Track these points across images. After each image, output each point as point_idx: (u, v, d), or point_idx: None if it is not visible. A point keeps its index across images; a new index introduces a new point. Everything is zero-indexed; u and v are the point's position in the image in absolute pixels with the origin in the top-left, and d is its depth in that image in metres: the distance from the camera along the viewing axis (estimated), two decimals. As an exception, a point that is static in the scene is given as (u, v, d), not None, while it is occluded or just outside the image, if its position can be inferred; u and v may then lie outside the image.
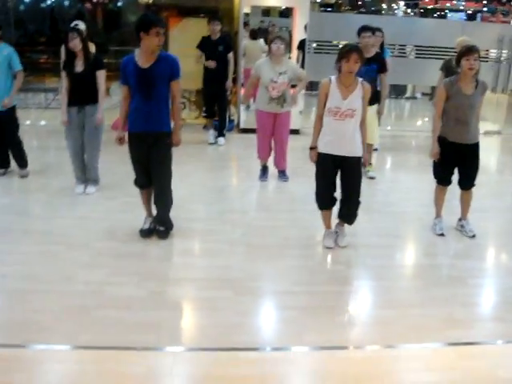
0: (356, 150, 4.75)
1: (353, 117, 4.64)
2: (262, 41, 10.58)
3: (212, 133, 8.92)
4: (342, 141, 4.71)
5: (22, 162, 6.86)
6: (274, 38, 6.59)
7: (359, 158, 4.80)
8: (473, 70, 4.93)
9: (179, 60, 4.79)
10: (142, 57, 4.65)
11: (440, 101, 5.15)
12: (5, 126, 6.60)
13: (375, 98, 6.69)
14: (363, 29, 6.70)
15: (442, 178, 5.44)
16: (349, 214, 4.96)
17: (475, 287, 4.52)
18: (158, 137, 4.80)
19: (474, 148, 5.23)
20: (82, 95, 6.02)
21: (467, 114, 5.07)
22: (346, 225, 5.10)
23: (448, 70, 7.88)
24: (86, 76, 5.96)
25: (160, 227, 5.13)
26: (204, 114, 9.17)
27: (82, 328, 3.69)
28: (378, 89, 6.90)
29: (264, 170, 7.12)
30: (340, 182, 4.91)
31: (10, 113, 6.59)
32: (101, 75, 6.04)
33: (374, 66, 6.63)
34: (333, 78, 4.69)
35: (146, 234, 5.12)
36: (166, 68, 4.67)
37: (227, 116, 9.27)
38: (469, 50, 4.94)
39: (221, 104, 8.89)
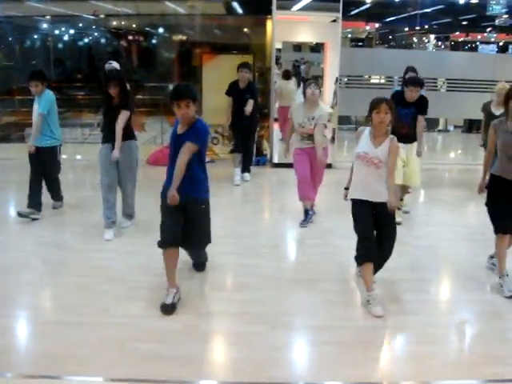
0: (385, 196, 4.61)
1: (379, 168, 4.58)
2: (294, 80, 10.76)
3: (238, 173, 8.88)
4: (370, 189, 4.63)
5: (58, 197, 7.09)
6: (310, 82, 6.55)
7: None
8: None
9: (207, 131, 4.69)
10: (181, 123, 4.60)
11: (491, 139, 5.03)
12: (45, 162, 6.79)
13: (415, 137, 6.79)
14: (412, 82, 6.60)
15: (501, 224, 4.93)
16: (379, 264, 4.76)
17: (513, 323, 4.44)
18: (192, 202, 4.62)
19: None
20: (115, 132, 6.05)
21: None
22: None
23: (486, 111, 7.90)
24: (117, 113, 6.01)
25: (197, 259, 5.19)
26: (232, 149, 9.23)
27: (117, 361, 3.74)
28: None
29: (307, 213, 6.81)
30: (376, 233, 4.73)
31: (53, 151, 6.80)
32: (122, 115, 6.02)
33: (413, 109, 6.61)
34: (368, 128, 4.71)
35: (169, 310, 4.42)
36: (191, 135, 4.49)
37: (254, 153, 9.43)
38: None
39: (248, 143, 9.01)
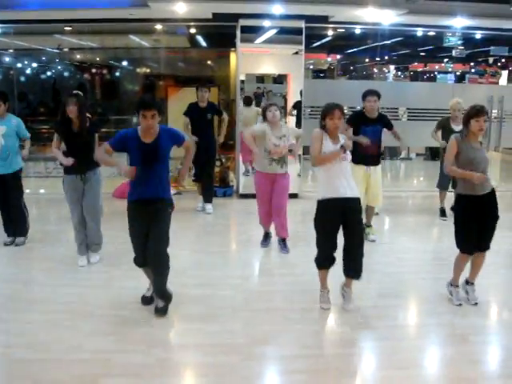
0: (356, 192, 4.93)
1: (347, 159, 4.88)
2: (255, 107, 10.80)
3: (201, 200, 8.92)
4: (342, 183, 4.84)
5: (22, 230, 6.94)
6: (268, 105, 6.64)
7: (359, 200, 4.99)
8: (483, 130, 4.93)
9: (177, 129, 5.09)
10: (144, 133, 4.73)
11: (451, 155, 4.98)
12: (9, 190, 6.69)
13: (379, 159, 7.00)
14: (369, 93, 6.81)
15: (466, 246, 5.08)
16: (356, 268, 4.90)
17: (480, 344, 4.53)
18: (159, 203, 4.85)
19: (492, 197, 5.07)
20: (83, 164, 5.91)
21: (482, 165, 4.96)
22: (352, 287, 5.08)
23: (444, 128, 8.08)
24: (82, 142, 5.87)
25: (159, 303, 4.95)
26: (193, 178, 9.04)
27: (89, 397, 3.69)
28: (381, 150, 7.26)
29: (266, 236, 7.09)
30: (343, 233, 4.91)
31: (16, 176, 6.73)
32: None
33: (379, 127, 6.84)
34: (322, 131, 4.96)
35: (147, 301, 5.13)
36: (168, 140, 4.83)
37: (213, 183, 9.25)
38: (479, 112, 4.87)
39: (207, 170, 8.80)
